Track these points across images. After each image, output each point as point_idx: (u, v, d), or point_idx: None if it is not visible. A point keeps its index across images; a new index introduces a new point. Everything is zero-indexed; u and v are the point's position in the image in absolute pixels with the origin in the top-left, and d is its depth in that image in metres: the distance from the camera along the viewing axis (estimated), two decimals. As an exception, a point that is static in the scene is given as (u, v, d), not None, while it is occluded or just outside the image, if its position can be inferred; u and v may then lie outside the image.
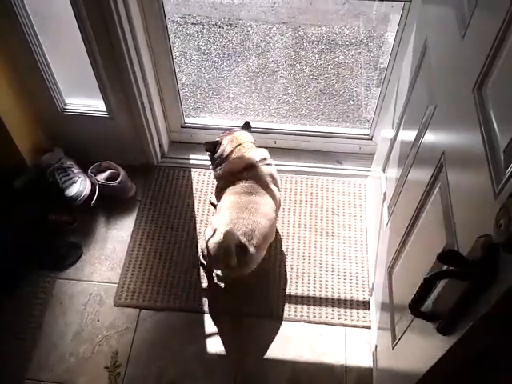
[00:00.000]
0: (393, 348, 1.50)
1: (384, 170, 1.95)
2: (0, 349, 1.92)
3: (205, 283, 2.06)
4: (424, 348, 1.21)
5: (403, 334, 1.38)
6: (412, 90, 1.59)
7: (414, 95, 1.57)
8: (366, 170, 2.37)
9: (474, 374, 1.18)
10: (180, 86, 2.31)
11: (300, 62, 2.95)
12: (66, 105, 2.19)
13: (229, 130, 2.10)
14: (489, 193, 0.84)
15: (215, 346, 1.92)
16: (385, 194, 1.86)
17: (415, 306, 1.00)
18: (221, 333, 1.95)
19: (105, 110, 2.15)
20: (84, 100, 2.19)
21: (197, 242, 2.17)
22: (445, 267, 0.93)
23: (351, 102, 2.77)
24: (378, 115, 2.28)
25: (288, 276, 2.07)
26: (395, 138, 1.78)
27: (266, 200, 1.88)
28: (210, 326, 1.96)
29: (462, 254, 0.85)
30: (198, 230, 2.21)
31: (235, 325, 1.96)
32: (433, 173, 1.20)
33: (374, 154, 2.26)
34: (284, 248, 2.16)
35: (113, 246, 2.18)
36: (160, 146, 2.43)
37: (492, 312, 0.84)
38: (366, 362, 1.86)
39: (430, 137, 1.31)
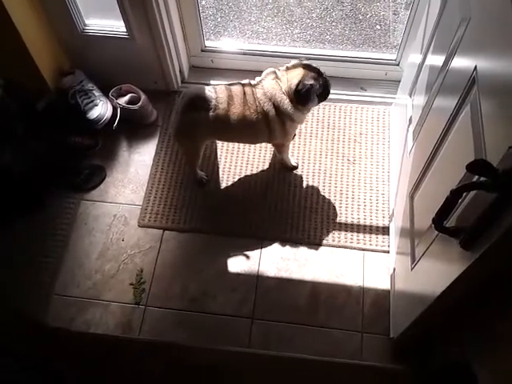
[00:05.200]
0: (411, 269, 1.52)
1: (411, 95, 1.90)
2: (28, 266, 2.00)
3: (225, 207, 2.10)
4: (443, 267, 1.22)
5: (423, 255, 1.39)
6: (444, 8, 1.51)
7: (446, 12, 1.49)
8: (390, 97, 2.31)
9: (490, 295, 1.20)
10: (200, 8, 2.23)
11: (326, -16, 2.82)
12: (85, 25, 2.14)
13: None
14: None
15: (236, 265, 1.97)
16: (410, 118, 1.82)
17: (439, 221, 0.99)
18: (241, 254, 2.00)
19: (124, 30, 2.09)
20: (104, 21, 2.14)
21: (218, 167, 2.18)
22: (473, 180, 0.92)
23: (378, 26, 2.65)
24: (405, 40, 2.18)
25: (308, 202, 2.09)
26: (423, 62, 1.72)
27: None
28: (230, 247, 2.01)
29: (492, 164, 0.83)
30: (218, 156, 2.21)
31: (255, 247, 2.01)
32: (464, 89, 1.15)
33: (399, 81, 2.20)
34: (305, 174, 2.16)
35: (135, 170, 2.21)
36: (180, 71, 2.38)
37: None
38: (383, 284, 1.90)
39: (462, 53, 1.25)
